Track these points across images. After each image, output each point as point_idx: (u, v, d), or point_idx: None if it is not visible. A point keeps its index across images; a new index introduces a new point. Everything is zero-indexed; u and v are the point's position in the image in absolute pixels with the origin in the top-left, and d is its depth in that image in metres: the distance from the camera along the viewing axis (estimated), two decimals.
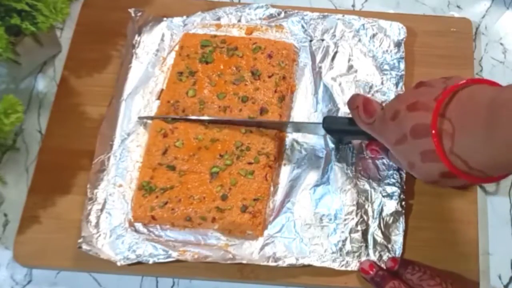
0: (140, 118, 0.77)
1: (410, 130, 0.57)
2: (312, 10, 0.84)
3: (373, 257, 0.68)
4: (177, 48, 0.82)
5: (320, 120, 0.74)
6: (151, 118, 0.76)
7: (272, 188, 0.73)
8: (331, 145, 0.74)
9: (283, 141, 0.76)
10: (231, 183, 0.71)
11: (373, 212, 0.71)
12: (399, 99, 0.61)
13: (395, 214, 0.71)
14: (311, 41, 0.82)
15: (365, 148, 0.73)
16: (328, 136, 0.74)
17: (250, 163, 0.72)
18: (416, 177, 0.61)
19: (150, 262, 0.68)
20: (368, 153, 0.73)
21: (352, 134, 0.70)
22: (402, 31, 0.81)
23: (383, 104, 0.66)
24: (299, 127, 0.76)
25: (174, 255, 0.68)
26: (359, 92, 0.77)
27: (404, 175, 0.72)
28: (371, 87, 0.78)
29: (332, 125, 0.71)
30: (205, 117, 0.75)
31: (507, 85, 0.54)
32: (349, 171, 0.73)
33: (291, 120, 0.77)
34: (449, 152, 0.55)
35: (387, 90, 0.78)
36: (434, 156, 0.56)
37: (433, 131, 0.55)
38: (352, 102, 0.66)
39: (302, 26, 0.83)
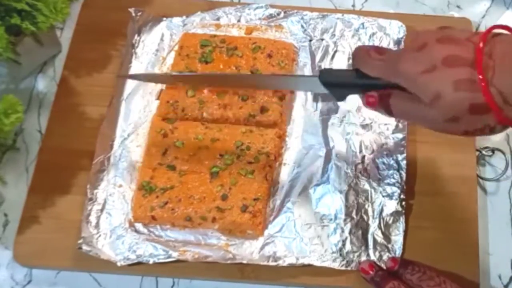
0: (119, 76, 0.78)
1: (443, 59, 0.55)
2: (312, 10, 0.84)
3: (373, 257, 0.69)
4: (176, 48, 0.82)
5: (319, 122, 0.74)
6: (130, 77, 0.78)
7: (272, 188, 0.73)
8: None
9: (283, 141, 0.76)
10: (231, 182, 0.71)
11: (373, 212, 0.71)
12: (425, 33, 0.59)
13: (395, 214, 0.71)
14: (310, 40, 0.82)
15: (362, 97, 0.65)
16: (322, 95, 0.71)
17: (250, 163, 0.72)
18: (434, 116, 0.57)
19: (150, 262, 0.68)
20: (364, 103, 0.65)
21: (352, 86, 0.65)
22: (401, 30, 0.81)
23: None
24: (294, 83, 0.72)
25: (174, 255, 0.68)
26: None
27: (404, 175, 0.73)
28: None
29: (330, 78, 0.65)
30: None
31: None
32: (349, 171, 0.73)
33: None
34: (489, 82, 0.53)
35: None
36: (469, 85, 0.54)
37: (478, 60, 0.54)
38: (362, 49, 0.63)
39: (302, 26, 0.83)
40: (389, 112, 0.61)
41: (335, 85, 0.65)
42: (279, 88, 0.75)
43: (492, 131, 0.57)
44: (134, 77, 0.77)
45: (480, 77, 0.53)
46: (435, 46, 0.56)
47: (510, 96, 0.53)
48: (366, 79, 0.61)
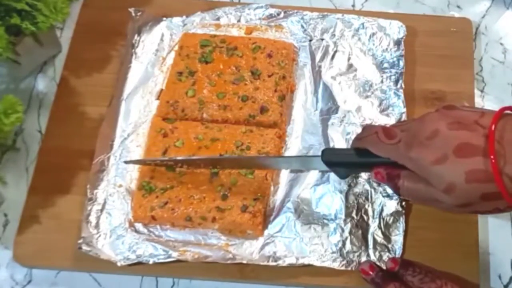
0: (126, 162, 0.74)
1: (455, 149, 0.56)
2: (312, 10, 0.84)
3: (373, 257, 0.69)
4: (176, 48, 0.82)
5: (319, 122, 0.74)
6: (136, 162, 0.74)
7: (272, 188, 0.73)
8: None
9: (283, 141, 0.76)
10: (231, 182, 0.71)
11: (373, 212, 0.71)
12: (434, 118, 0.59)
13: (395, 214, 0.71)
14: (310, 40, 0.82)
15: (372, 175, 0.65)
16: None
17: None
18: (446, 201, 0.58)
19: (150, 262, 0.68)
20: (372, 178, 0.66)
21: (356, 167, 0.66)
22: (401, 29, 0.81)
23: (402, 127, 0.62)
24: (294, 161, 0.72)
25: (174, 255, 0.68)
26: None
27: None
28: (370, 86, 0.79)
29: (333, 158, 0.66)
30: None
31: None
32: None
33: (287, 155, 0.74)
34: (501, 171, 0.54)
35: (386, 89, 0.78)
36: (482, 176, 0.54)
37: (491, 151, 0.54)
38: (369, 129, 0.63)
39: (302, 26, 0.83)
40: (396, 190, 0.62)
41: (338, 164, 0.66)
42: (281, 168, 0.73)
43: (501, 211, 0.58)
44: (137, 162, 0.74)
45: (493, 168, 0.54)
46: (447, 134, 0.56)
47: None
48: (370, 157, 0.62)
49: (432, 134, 0.57)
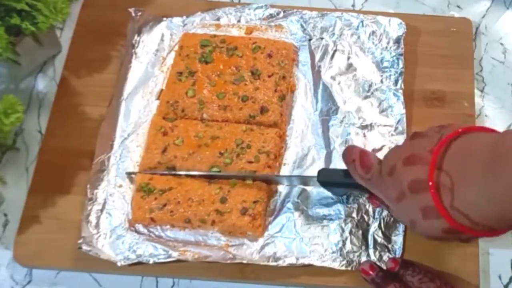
0: (128, 173, 0.74)
1: (408, 186, 0.54)
2: (312, 9, 0.84)
3: (373, 257, 0.68)
4: (176, 48, 0.82)
5: (319, 123, 0.74)
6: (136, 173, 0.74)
7: (272, 188, 0.73)
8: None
9: (283, 140, 0.76)
10: (230, 185, 0.71)
11: (373, 212, 0.71)
12: (394, 152, 0.58)
13: None
14: (310, 40, 0.82)
15: (366, 199, 0.70)
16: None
17: (250, 162, 0.72)
18: (420, 235, 0.58)
19: (151, 262, 0.68)
20: (370, 204, 0.70)
21: (350, 187, 0.66)
22: (401, 27, 0.81)
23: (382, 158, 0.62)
24: (291, 180, 0.73)
25: (175, 255, 0.68)
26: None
27: None
28: (370, 86, 0.79)
29: (328, 178, 0.68)
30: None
31: (506, 130, 0.51)
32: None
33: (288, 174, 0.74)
34: (449, 207, 0.52)
35: (386, 89, 0.78)
36: (434, 212, 0.53)
37: (431, 187, 0.52)
38: (348, 155, 0.63)
39: (301, 25, 0.83)
40: (390, 213, 0.64)
41: (333, 184, 0.68)
42: (280, 183, 0.73)
43: (475, 238, 0.57)
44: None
45: (435, 204, 0.52)
46: (401, 170, 0.56)
47: (474, 216, 0.51)
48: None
49: (390, 171, 0.57)
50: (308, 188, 0.72)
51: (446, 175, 0.52)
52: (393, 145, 0.74)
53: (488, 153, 0.49)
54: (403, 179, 0.55)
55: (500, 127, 0.78)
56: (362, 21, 0.82)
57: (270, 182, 0.73)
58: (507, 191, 0.47)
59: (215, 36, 0.81)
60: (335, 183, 0.68)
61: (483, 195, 0.49)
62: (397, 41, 0.81)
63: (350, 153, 0.63)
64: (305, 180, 0.72)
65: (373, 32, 0.82)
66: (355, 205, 0.71)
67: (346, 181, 0.65)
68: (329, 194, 0.72)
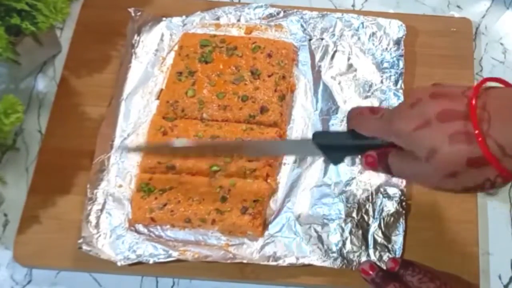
0: (130, 148, 0.75)
1: (437, 115, 0.54)
2: (312, 9, 0.84)
3: (373, 257, 0.69)
4: (176, 48, 0.82)
5: (319, 122, 0.74)
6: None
7: (272, 189, 0.73)
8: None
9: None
10: (230, 184, 0.71)
11: (373, 212, 0.71)
12: (420, 89, 0.58)
13: (395, 214, 0.71)
14: (310, 40, 0.82)
15: (361, 158, 0.64)
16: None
17: (250, 161, 0.72)
18: (431, 172, 0.55)
19: (151, 262, 0.68)
20: (363, 164, 0.64)
21: (348, 148, 0.65)
22: (401, 29, 0.81)
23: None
24: (288, 146, 0.72)
25: (175, 254, 0.68)
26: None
27: None
28: (370, 86, 0.79)
29: (324, 140, 0.64)
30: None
31: None
32: (349, 171, 0.73)
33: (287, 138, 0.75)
34: (485, 134, 0.52)
35: (386, 89, 0.78)
36: (465, 138, 0.52)
37: (472, 109, 0.53)
38: (354, 110, 0.63)
39: (301, 25, 0.83)
40: (388, 171, 0.60)
41: (329, 147, 0.64)
42: (279, 155, 0.74)
43: (493, 186, 0.55)
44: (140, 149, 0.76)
45: (476, 130, 0.52)
46: (429, 102, 0.55)
47: (508, 147, 0.52)
48: (361, 139, 0.60)
49: (414, 103, 0.56)
50: (308, 189, 0.72)
51: (482, 110, 0.53)
52: None
53: None
54: (430, 109, 0.55)
55: None
56: (362, 23, 0.82)
57: (269, 153, 0.72)
58: None
59: (214, 36, 0.81)
60: (332, 146, 0.64)
61: None
62: (397, 42, 0.81)
63: (356, 109, 0.63)
64: (302, 146, 0.69)
65: (374, 34, 0.82)
66: (355, 205, 0.71)
67: (344, 142, 0.63)
68: (329, 193, 0.72)
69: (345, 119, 0.76)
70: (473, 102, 0.53)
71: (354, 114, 0.62)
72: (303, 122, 0.77)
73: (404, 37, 0.81)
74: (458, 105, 0.54)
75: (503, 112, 0.52)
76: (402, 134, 0.56)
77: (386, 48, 0.81)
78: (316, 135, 0.64)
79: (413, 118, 0.56)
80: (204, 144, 0.72)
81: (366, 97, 0.78)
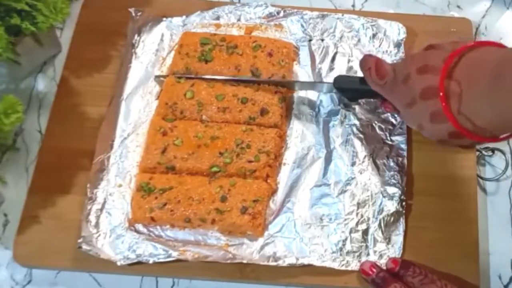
0: (156, 76, 0.79)
1: (420, 93, 0.59)
2: (312, 9, 0.84)
3: (373, 257, 0.69)
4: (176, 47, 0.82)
5: (320, 123, 0.74)
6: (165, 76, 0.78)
7: (272, 189, 0.73)
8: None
9: (283, 140, 0.76)
10: (230, 184, 0.71)
11: (373, 212, 0.71)
12: (409, 61, 0.63)
13: (395, 214, 0.71)
14: (310, 40, 0.82)
15: (380, 104, 0.74)
16: (337, 95, 0.77)
17: (250, 161, 0.72)
18: (427, 137, 0.64)
19: (150, 261, 0.68)
20: (383, 109, 0.75)
21: (363, 93, 0.72)
22: (401, 31, 0.81)
23: (395, 65, 0.67)
24: (309, 86, 0.78)
25: (174, 254, 0.68)
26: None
27: (404, 176, 0.72)
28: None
29: (344, 84, 0.73)
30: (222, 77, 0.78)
31: None
32: (349, 171, 0.73)
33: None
34: (456, 113, 0.57)
35: None
36: (442, 117, 0.58)
37: (441, 93, 0.57)
38: (365, 63, 0.68)
39: (301, 25, 0.83)
40: (401, 118, 0.70)
41: (348, 90, 0.73)
42: (294, 88, 0.79)
43: (483, 142, 0.61)
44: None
45: (443, 108, 0.57)
46: (415, 78, 0.61)
47: (478, 122, 0.57)
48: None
49: (404, 79, 0.62)
50: (308, 189, 0.72)
51: (456, 83, 0.57)
52: (393, 144, 0.75)
53: (496, 64, 0.54)
54: (416, 86, 0.60)
55: None
56: (362, 24, 0.82)
57: (283, 86, 0.77)
58: (508, 99, 0.52)
59: (215, 34, 0.81)
60: (351, 89, 0.73)
61: (487, 101, 0.54)
62: (397, 45, 0.81)
63: (366, 61, 0.68)
64: (321, 87, 0.77)
65: (374, 36, 0.82)
66: (355, 205, 0.71)
67: (361, 87, 0.71)
68: (329, 193, 0.72)
69: (345, 120, 0.77)
70: (442, 81, 0.57)
71: (365, 66, 0.68)
72: (303, 122, 0.77)
73: (404, 39, 0.81)
74: (436, 80, 0.58)
75: (472, 83, 0.56)
76: (398, 107, 0.65)
77: (386, 51, 0.81)
78: (337, 79, 0.74)
79: (404, 94, 0.62)
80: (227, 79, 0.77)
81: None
